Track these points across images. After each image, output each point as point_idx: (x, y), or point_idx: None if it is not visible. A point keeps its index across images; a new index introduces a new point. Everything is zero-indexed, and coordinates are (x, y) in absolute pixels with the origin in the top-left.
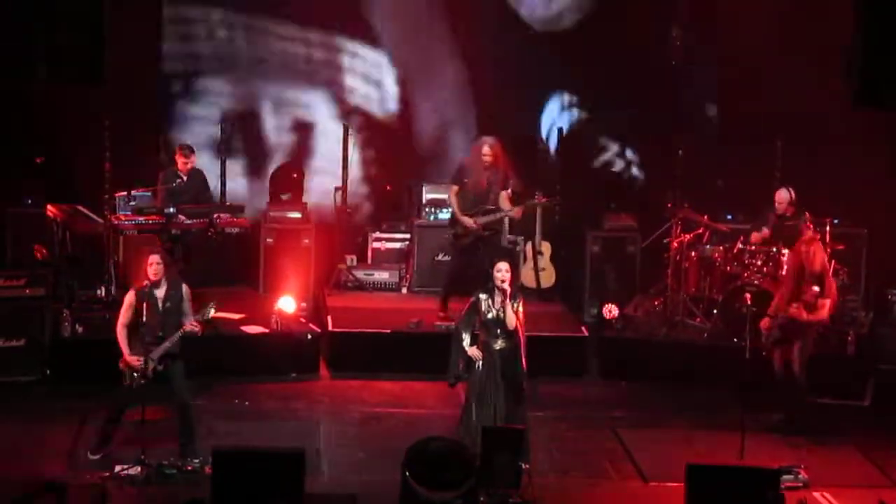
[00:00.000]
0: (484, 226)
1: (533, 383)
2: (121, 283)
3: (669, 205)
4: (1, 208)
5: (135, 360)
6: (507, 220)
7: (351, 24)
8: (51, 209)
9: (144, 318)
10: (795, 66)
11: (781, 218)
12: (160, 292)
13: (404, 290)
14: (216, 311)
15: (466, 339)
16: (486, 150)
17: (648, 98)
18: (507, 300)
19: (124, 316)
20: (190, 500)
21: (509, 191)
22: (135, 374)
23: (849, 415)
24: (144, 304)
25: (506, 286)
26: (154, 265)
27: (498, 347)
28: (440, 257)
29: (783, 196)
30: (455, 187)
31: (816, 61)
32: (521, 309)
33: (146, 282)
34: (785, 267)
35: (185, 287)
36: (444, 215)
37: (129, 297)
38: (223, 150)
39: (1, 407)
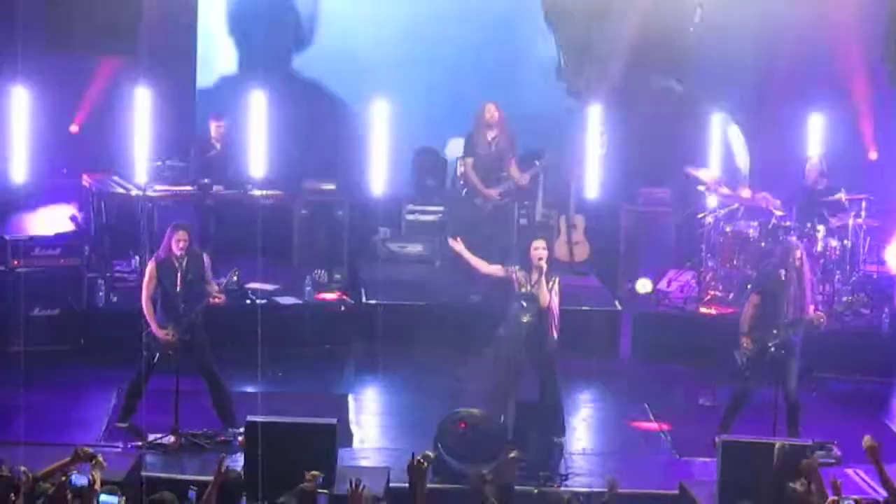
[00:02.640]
0: (500, 194)
1: (565, 358)
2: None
3: (704, 180)
4: (37, 177)
5: (162, 333)
6: (540, 193)
7: None
8: (87, 178)
9: (167, 290)
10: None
11: (812, 192)
12: (183, 263)
13: (437, 263)
14: (238, 278)
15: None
16: (488, 106)
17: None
18: (543, 277)
19: (147, 288)
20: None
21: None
22: (161, 346)
23: (882, 392)
24: (167, 276)
25: (542, 264)
26: (182, 241)
27: (525, 321)
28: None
29: (815, 168)
30: (469, 160)
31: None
32: (556, 287)
33: (166, 253)
34: (802, 269)
35: (205, 256)
36: None
37: (150, 270)
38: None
39: (36, 376)
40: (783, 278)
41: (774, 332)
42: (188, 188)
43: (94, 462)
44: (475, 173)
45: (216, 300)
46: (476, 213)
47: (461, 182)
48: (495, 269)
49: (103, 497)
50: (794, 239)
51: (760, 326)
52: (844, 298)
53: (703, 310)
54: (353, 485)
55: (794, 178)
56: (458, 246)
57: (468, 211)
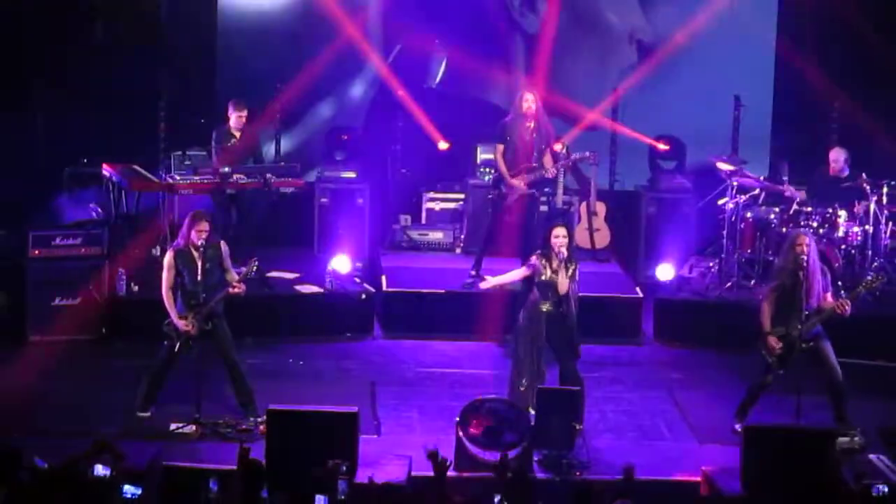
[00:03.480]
0: (529, 184)
1: (586, 343)
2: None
3: (726, 165)
4: (57, 167)
5: (182, 323)
6: (560, 181)
7: None
8: (107, 168)
9: (187, 279)
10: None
11: (836, 179)
12: (200, 252)
13: (458, 251)
14: (257, 268)
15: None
16: (527, 96)
17: None
18: (563, 265)
19: (167, 279)
20: (245, 461)
21: (561, 147)
22: (181, 336)
23: None
24: (186, 265)
25: (563, 251)
26: (203, 231)
27: (545, 310)
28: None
29: (837, 155)
30: (500, 146)
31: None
32: (576, 276)
33: (185, 242)
34: (810, 259)
35: (223, 245)
36: None
37: (169, 259)
38: (279, 109)
39: (57, 365)
40: (794, 270)
41: (798, 326)
42: (208, 177)
43: (113, 453)
44: (504, 162)
45: (235, 290)
46: (498, 202)
47: (480, 168)
48: (522, 272)
49: (126, 487)
50: (800, 229)
51: (781, 322)
52: (864, 280)
53: (724, 296)
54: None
55: (815, 164)
56: (489, 283)
57: (494, 198)
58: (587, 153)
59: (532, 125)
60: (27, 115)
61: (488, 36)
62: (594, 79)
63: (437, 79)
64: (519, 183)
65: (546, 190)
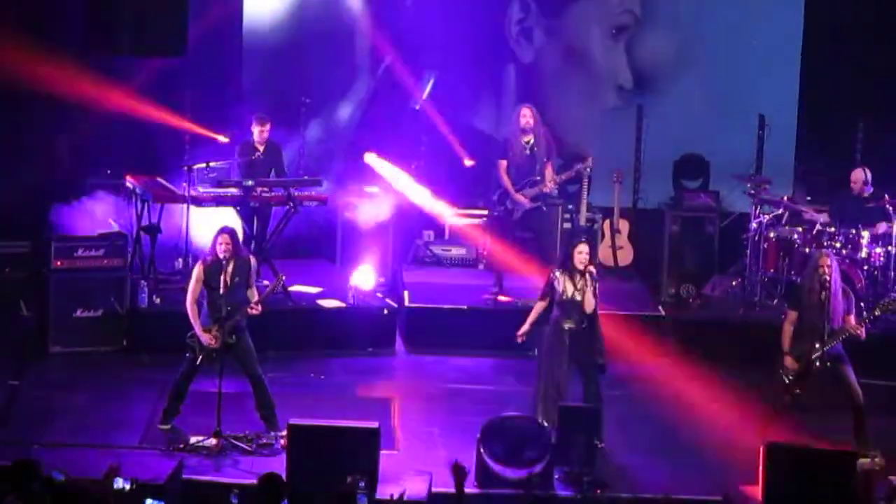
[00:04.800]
0: (531, 198)
1: (608, 361)
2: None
3: (749, 184)
4: (81, 178)
5: (206, 336)
6: (585, 197)
7: None
8: (130, 180)
9: (213, 292)
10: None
11: (858, 199)
12: (229, 266)
13: (481, 266)
14: (284, 285)
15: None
16: (524, 111)
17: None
18: (588, 283)
19: (193, 291)
20: (265, 474)
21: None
22: (205, 349)
23: None
24: (213, 278)
25: (587, 268)
26: (224, 244)
27: (568, 327)
28: None
29: (859, 176)
30: (503, 162)
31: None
32: (597, 292)
33: (213, 255)
34: (832, 279)
35: (252, 260)
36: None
37: (198, 272)
38: (304, 123)
39: (78, 377)
40: (816, 291)
41: (817, 345)
42: (232, 190)
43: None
44: (508, 177)
45: (253, 311)
46: (504, 217)
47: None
48: (543, 302)
49: (148, 501)
50: (823, 249)
51: (801, 341)
52: (881, 302)
53: (746, 315)
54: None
55: (839, 184)
56: (524, 330)
57: (501, 214)
58: (580, 165)
59: (531, 139)
60: (51, 126)
61: (481, 61)
62: (582, 114)
63: (424, 96)
64: (523, 198)
65: (570, 207)
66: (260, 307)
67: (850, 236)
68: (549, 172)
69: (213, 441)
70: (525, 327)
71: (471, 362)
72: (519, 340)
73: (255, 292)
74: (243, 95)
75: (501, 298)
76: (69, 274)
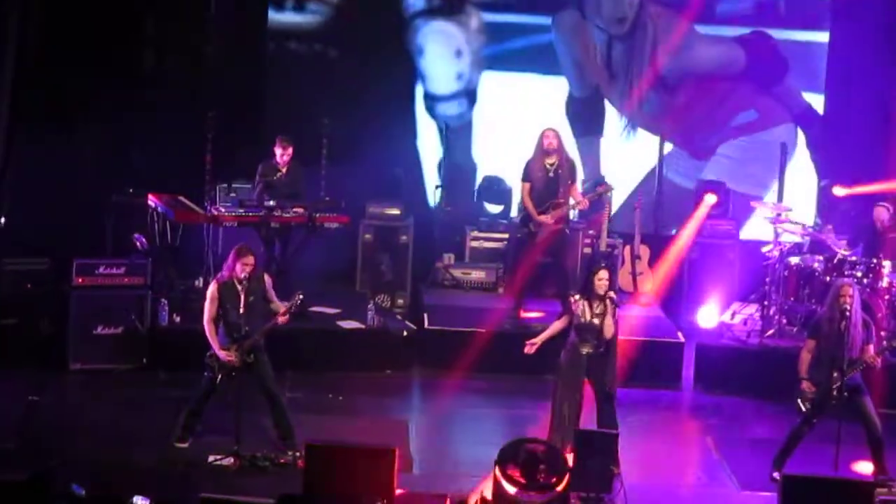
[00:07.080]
0: (555, 220)
1: (627, 387)
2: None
3: (770, 212)
4: (102, 197)
5: (225, 355)
6: (607, 222)
7: None
8: (152, 198)
9: (230, 311)
10: None
11: (883, 232)
12: (243, 285)
13: (501, 290)
14: (302, 301)
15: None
16: (548, 133)
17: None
18: (607, 309)
19: (209, 310)
20: (283, 495)
21: (604, 188)
22: (223, 368)
23: None
24: (229, 297)
25: (607, 294)
26: (248, 266)
27: (586, 352)
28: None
29: (882, 214)
30: (527, 185)
31: None
32: (616, 317)
33: (229, 274)
34: (853, 309)
35: (266, 277)
36: None
37: (212, 291)
38: (326, 145)
39: (98, 394)
40: (837, 320)
41: (835, 374)
42: (253, 211)
43: None
44: (531, 199)
45: (282, 319)
46: (527, 240)
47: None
48: (563, 321)
49: (136, 499)
50: (845, 278)
51: (819, 371)
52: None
53: (766, 343)
54: None
55: (861, 214)
56: (535, 344)
57: (524, 236)
58: (601, 187)
59: (555, 161)
60: (74, 144)
61: None
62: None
63: None
64: (547, 219)
65: (591, 232)
66: (288, 316)
67: (872, 265)
68: (575, 192)
69: (230, 460)
70: (537, 339)
71: (489, 385)
72: (526, 351)
73: (280, 304)
74: (265, 115)
75: (523, 314)
76: (90, 291)
